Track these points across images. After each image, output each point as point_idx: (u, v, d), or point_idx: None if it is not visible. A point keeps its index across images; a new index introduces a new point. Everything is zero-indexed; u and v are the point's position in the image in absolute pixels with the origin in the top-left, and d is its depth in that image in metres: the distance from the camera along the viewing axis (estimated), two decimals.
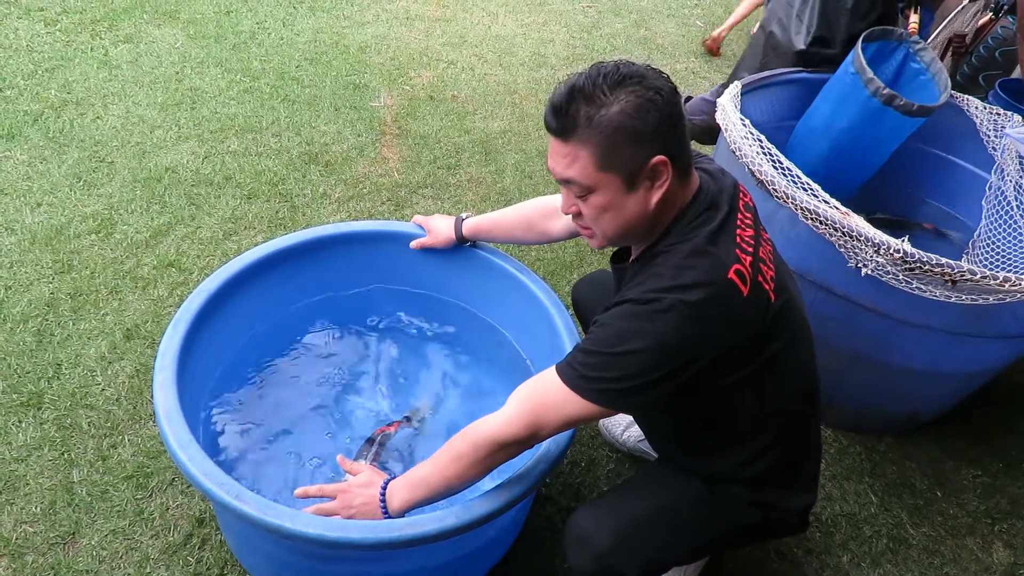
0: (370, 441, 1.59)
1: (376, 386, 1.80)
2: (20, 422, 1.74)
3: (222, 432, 1.61)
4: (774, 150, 1.82)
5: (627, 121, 1.03)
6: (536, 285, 1.68)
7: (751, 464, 1.24)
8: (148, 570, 1.52)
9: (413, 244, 1.75)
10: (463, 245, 1.74)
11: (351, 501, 1.23)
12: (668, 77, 1.08)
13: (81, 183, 2.47)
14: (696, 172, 1.16)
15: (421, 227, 1.78)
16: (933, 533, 1.80)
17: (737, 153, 1.85)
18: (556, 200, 1.55)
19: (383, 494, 1.21)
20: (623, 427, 1.85)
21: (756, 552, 1.71)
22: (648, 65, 1.08)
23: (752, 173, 1.79)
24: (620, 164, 1.06)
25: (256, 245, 2.29)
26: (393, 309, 1.92)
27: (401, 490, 1.22)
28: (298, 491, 1.28)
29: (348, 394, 1.77)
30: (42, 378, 1.85)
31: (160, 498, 1.64)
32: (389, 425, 1.65)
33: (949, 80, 2.11)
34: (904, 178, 2.47)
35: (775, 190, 1.73)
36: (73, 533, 1.56)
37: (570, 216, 1.21)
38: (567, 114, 1.05)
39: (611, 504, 1.27)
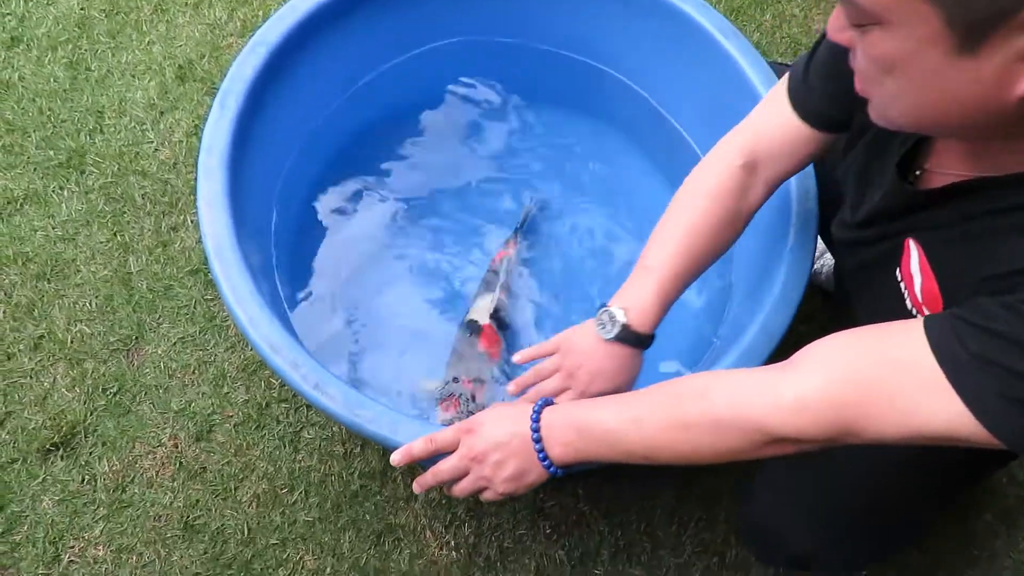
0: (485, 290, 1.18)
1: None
2: (61, 189, 1.41)
3: (300, 255, 1.24)
4: None
5: None
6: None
7: None
8: (226, 390, 1.27)
9: (517, 385, 0.88)
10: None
11: (482, 451, 0.74)
12: None
13: None
14: None
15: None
16: None
17: None
18: (729, 147, 0.85)
19: (536, 428, 0.73)
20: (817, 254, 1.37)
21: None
22: None
23: None
24: None
25: None
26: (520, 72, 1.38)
27: (565, 430, 0.72)
28: (396, 456, 0.77)
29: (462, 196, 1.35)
30: (82, 131, 1.47)
31: None
32: (504, 248, 1.24)
33: None
34: None
35: None
36: (137, 338, 1.30)
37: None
38: None
39: (798, 491, 0.88)
